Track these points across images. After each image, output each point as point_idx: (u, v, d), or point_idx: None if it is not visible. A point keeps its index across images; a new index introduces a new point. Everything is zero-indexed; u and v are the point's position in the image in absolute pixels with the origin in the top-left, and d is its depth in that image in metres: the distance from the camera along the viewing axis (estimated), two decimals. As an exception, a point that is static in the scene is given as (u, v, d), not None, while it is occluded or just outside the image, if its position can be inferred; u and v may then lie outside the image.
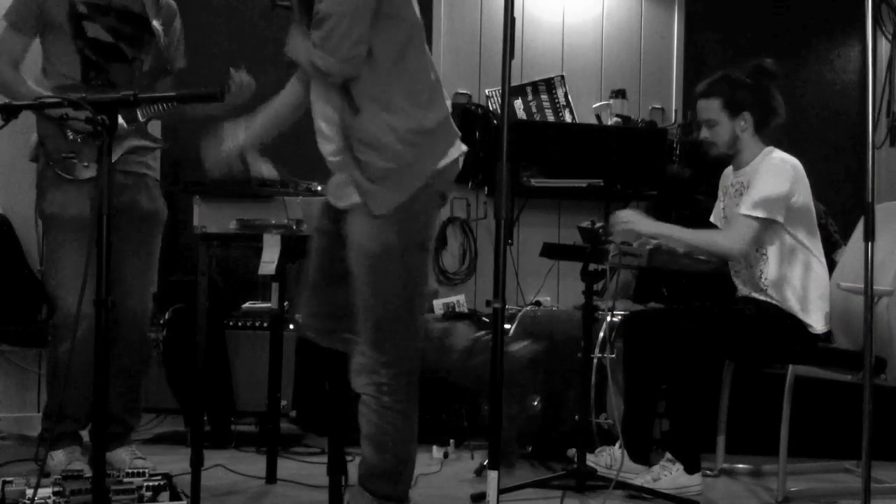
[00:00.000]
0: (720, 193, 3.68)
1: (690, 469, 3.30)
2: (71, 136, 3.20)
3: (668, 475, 3.27)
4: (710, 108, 3.48)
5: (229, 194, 2.84)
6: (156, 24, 3.31)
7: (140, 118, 3.28)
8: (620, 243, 3.32)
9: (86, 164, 3.19)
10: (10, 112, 2.24)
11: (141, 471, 2.80)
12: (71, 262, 3.15)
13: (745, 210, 3.33)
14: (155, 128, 3.64)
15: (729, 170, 3.62)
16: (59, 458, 3.27)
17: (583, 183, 4.77)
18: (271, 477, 3.36)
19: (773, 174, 3.34)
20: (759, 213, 3.31)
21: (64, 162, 3.21)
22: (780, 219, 3.34)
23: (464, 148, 2.54)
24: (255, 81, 3.21)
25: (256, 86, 3.24)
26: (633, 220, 3.38)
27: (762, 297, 3.45)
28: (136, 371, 3.43)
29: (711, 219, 3.72)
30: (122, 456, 3.34)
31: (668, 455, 3.31)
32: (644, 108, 5.33)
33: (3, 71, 3.24)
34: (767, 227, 3.35)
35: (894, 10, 5.49)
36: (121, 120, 3.17)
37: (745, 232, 3.33)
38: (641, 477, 3.31)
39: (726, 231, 3.40)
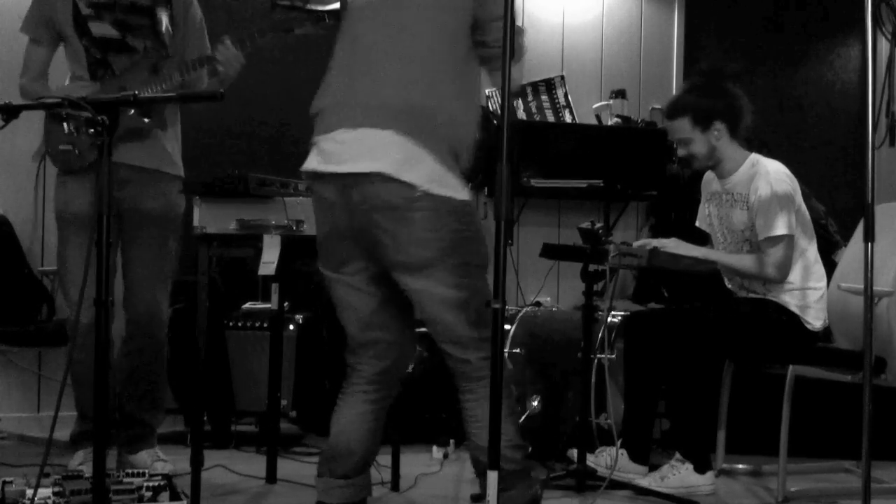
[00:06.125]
0: (703, 198, 3.67)
1: (701, 469, 3.31)
2: (67, 129, 3.19)
3: (677, 474, 3.28)
4: (681, 127, 3.46)
5: (229, 194, 2.84)
6: (160, 13, 3.31)
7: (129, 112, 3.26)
8: (620, 243, 3.32)
9: (78, 152, 3.18)
10: (10, 112, 2.24)
11: (141, 471, 2.80)
12: (77, 260, 3.14)
13: (771, 233, 3.31)
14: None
15: (711, 175, 3.60)
16: (78, 458, 3.28)
17: (583, 183, 4.77)
18: (271, 477, 3.36)
19: (776, 187, 3.32)
20: (784, 231, 3.31)
21: (62, 155, 3.21)
22: (795, 231, 3.36)
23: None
24: (246, 63, 3.18)
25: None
26: (672, 246, 3.38)
27: (760, 297, 3.45)
28: (153, 371, 3.40)
29: (697, 223, 3.71)
30: (144, 458, 3.34)
31: (678, 455, 3.32)
32: (644, 109, 5.33)
33: (30, 86, 3.29)
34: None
35: (894, 11, 5.49)
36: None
37: (784, 254, 3.33)
38: (649, 477, 3.32)
39: (765, 258, 3.35)
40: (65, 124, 3.18)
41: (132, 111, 3.22)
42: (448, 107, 2.38)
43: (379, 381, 2.55)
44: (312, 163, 2.44)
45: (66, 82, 3.33)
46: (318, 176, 2.43)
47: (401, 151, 2.31)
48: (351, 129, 2.37)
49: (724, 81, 3.47)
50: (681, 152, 3.51)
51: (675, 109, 3.48)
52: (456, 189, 2.36)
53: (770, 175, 3.36)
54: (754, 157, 3.47)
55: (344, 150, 2.37)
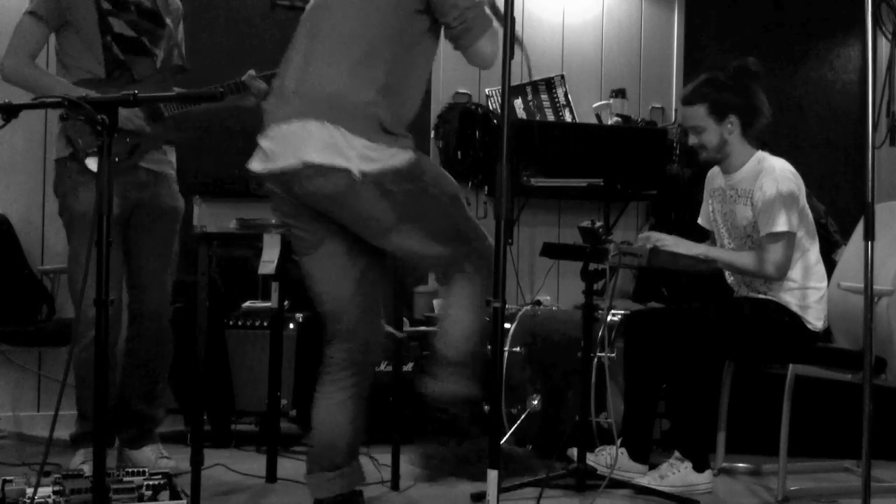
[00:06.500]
0: (706, 195, 3.67)
1: (699, 467, 3.31)
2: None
3: (676, 472, 3.29)
4: (696, 114, 3.46)
5: (229, 194, 2.84)
6: (168, 21, 3.33)
7: (164, 114, 3.27)
8: (620, 243, 3.32)
9: (117, 158, 3.18)
10: (10, 112, 2.23)
11: (141, 469, 2.80)
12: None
13: (772, 229, 3.30)
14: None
15: (716, 170, 3.61)
16: (79, 458, 3.28)
17: (583, 183, 4.77)
18: (271, 476, 3.37)
19: (781, 185, 3.32)
20: (785, 228, 3.30)
21: (97, 155, 3.20)
22: (798, 229, 3.35)
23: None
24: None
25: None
26: (671, 243, 3.37)
27: (761, 297, 3.45)
28: (157, 366, 3.41)
29: (699, 220, 3.71)
30: (148, 455, 3.35)
31: (677, 454, 3.33)
32: (644, 108, 5.33)
33: (23, 68, 3.19)
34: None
35: (894, 10, 5.49)
36: (141, 122, 3.18)
37: (783, 252, 3.32)
38: (648, 476, 3.32)
39: (765, 255, 3.33)
40: (98, 126, 3.18)
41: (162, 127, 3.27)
42: (372, 87, 2.41)
43: (352, 369, 2.59)
44: (254, 163, 2.51)
45: (67, 75, 3.31)
46: (262, 175, 2.49)
47: (324, 139, 2.36)
48: (281, 124, 2.43)
49: (749, 80, 3.47)
50: (691, 141, 3.51)
51: (693, 96, 3.48)
52: (392, 156, 2.40)
53: (776, 172, 3.36)
54: (761, 154, 3.47)
55: (275, 146, 2.44)
